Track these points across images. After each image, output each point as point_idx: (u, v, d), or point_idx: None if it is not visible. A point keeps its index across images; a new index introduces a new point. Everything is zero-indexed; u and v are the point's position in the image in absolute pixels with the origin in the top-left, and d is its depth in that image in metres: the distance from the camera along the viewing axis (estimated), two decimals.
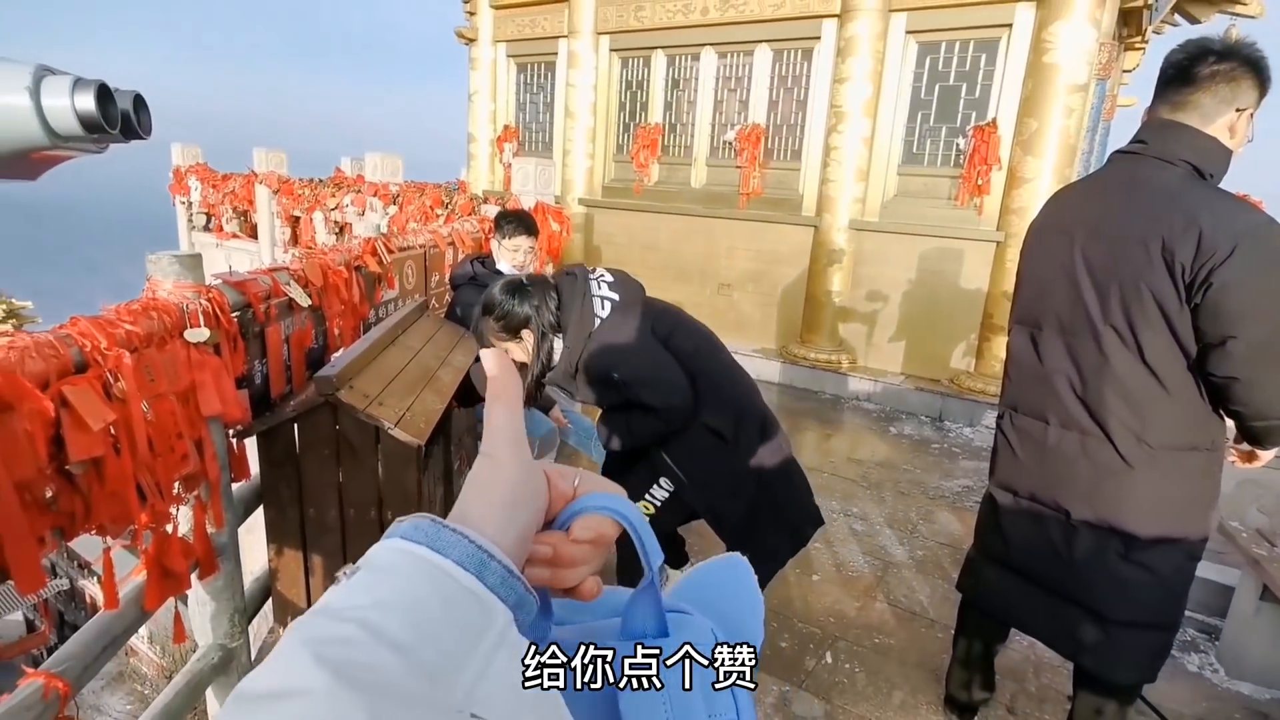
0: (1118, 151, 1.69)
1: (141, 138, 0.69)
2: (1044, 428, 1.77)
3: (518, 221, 3.06)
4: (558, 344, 1.89)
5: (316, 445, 1.85)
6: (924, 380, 5.28)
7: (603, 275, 1.93)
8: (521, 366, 1.93)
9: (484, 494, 0.36)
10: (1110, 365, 1.61)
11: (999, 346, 4.91)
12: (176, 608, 1.70)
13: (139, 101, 0.68)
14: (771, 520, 2.00)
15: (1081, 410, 1.68)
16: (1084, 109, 4.60)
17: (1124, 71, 7.06)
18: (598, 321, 1.86)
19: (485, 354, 0.42)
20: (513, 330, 1.87)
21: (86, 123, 0.63)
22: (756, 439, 1.95)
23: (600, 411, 2.00)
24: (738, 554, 0.53)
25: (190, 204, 8.28)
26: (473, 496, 0.36)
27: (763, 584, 2.22)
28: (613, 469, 2.14)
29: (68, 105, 0.62)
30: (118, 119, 0.65)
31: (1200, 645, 2.55)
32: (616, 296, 1.90)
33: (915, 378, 5.34)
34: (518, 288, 1.88)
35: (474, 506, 0.36)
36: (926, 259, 5.23)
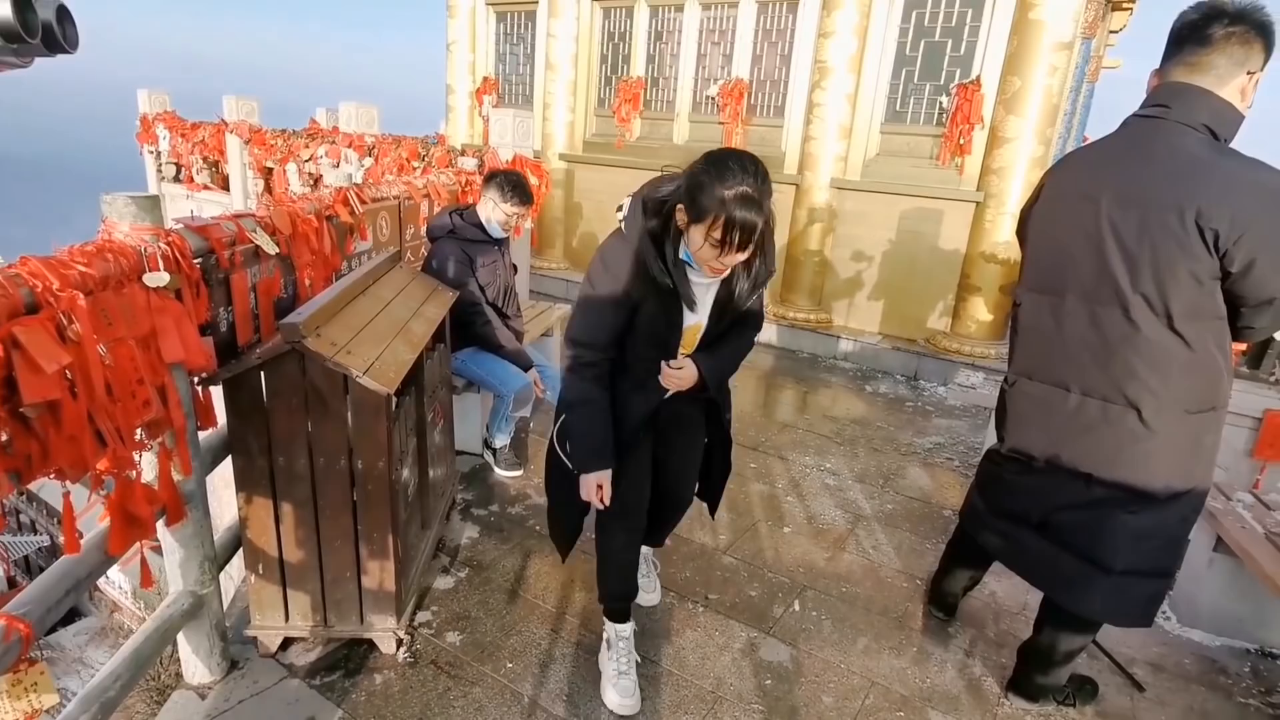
0: (1136, 115, 1.69)
1: (67, 51, 0.65)
2: (1064, 395, 1.78)
3: (521, 190, 3.06)
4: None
5: (284, 394, 1.83)
6: (901, 340, 5.32)
7: None
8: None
9: None
10: (1140, 333, 1.62)
11: (974, 307, 4.94)
12: (143, 553, 1.69)
13: (63, 12, 0.65)
14: None
15: (1105, 379, 1.70)
16: (1068, 68, 4.56)
17: (1110, 32, 7.00)
18: None
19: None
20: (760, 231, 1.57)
21: (3, 31, 0.59)
22: None
23: (706, 345, 1.82)
24: None
25: (159, 154, 8.03)
26: None
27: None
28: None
29: None
30: (38, 29, 0.62)
31: None
32: None
33: (892, 337, 5.38)
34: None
35: None
36: (906, 219, 5.22)
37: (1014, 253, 4.72)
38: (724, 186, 1.46)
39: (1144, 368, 1.63)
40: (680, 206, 1.56)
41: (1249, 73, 1.55)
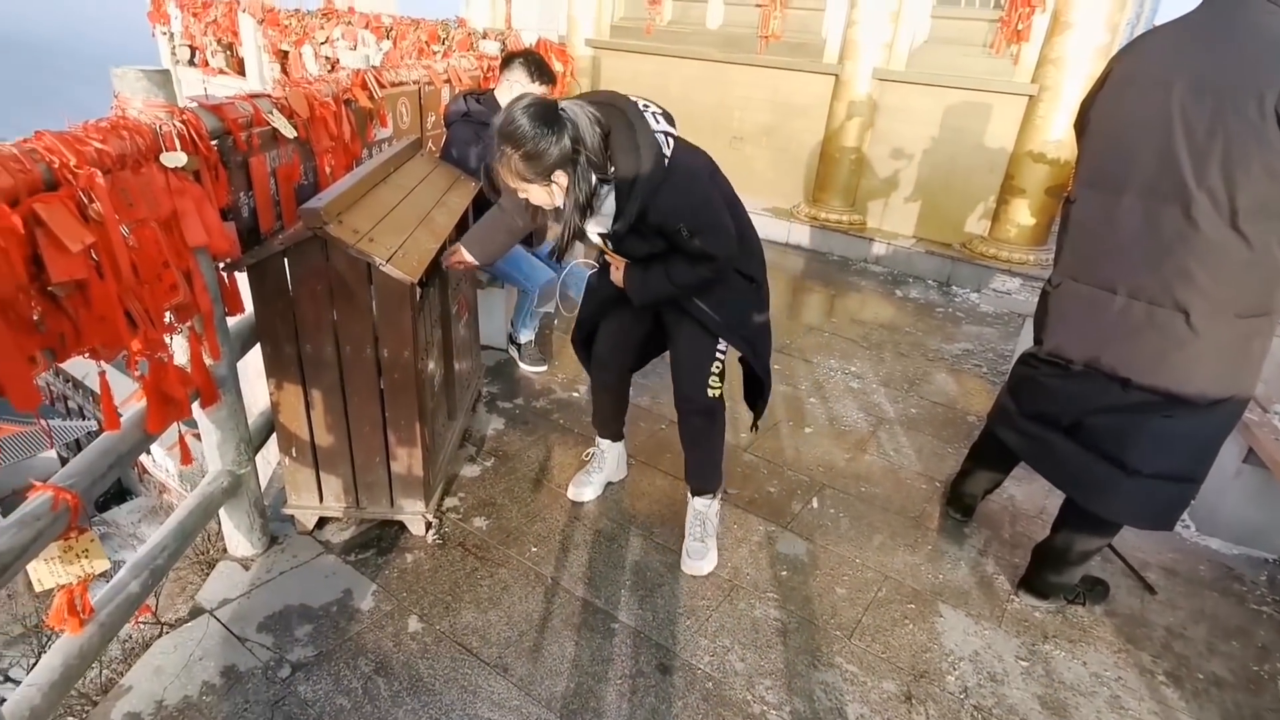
0: None
1: None
2: (1110, 297, 1.71)
3: (547, 69, 2.94)
4: (604, 189, 1.65)
5: (308, 281, 1.82)
6: (935, 244, 5.14)
7: (649, 105, 1.65)
8: (535, 210, 1.75)
9: None
10: (1198, 232, 1.53)
11: (1016, 210, 4.73)
12: (181, 434, 1.75)
13: None
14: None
15: (1155, 281, 1.62)
16: None
17: None
18: (666, 162, 1.61)
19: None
20: (544, 172, 1.56)
21: None
22: (766, 280, 1.99)
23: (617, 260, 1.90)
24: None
25: (172, 35, 7.76)
26: None
27: (765, 399, 2.16)
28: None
29: None
30: None
31: None
32: (675, 131, 1.66)
33: (927, 241, 5.20)
34: (552, 115, 1.53)
35: None
36: (951, 114, 4.92)
37: (1065, 152, 4.46)
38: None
39: (1199, 269, 1.55)
40: None
41: None
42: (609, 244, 1.83)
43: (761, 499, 2.50)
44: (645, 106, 1.64)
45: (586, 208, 1.64)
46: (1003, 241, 4.81)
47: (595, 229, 1.79)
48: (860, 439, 2.92)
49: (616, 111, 1.62)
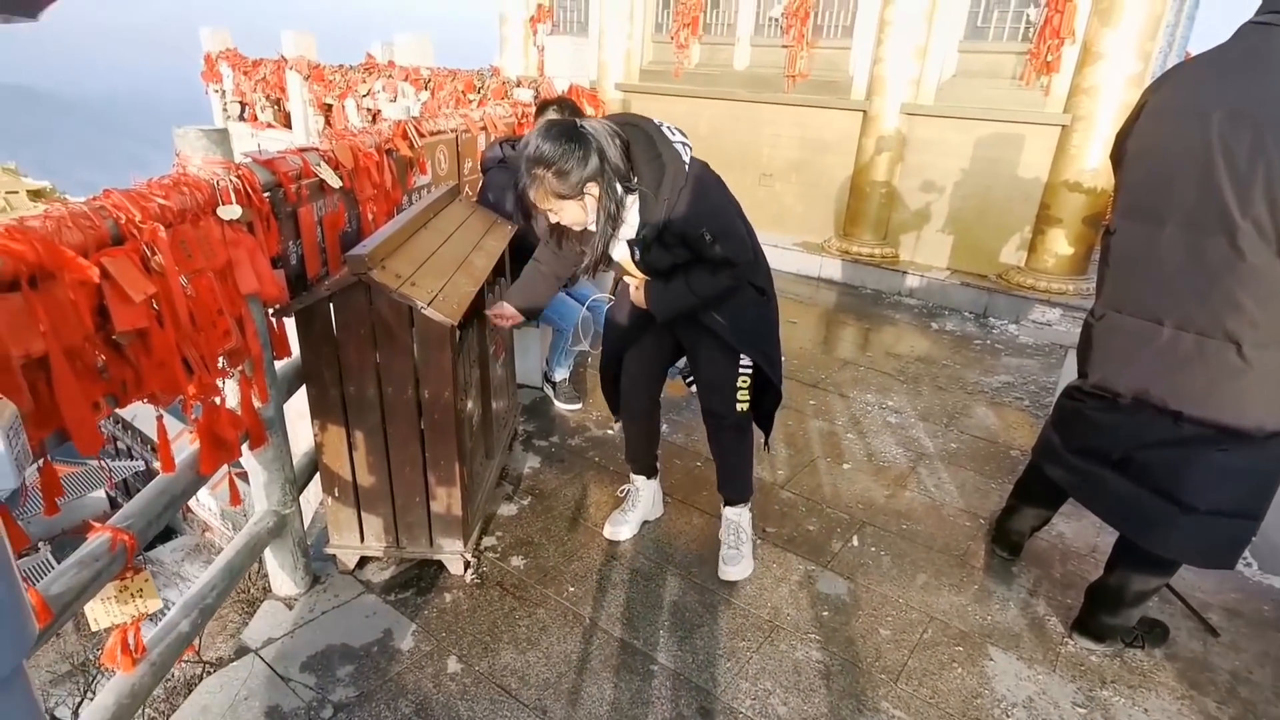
0: (1251, 22, 1.53)
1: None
2: (1157, 329, 1.68)
3: (578, 115, 2.98)
4: (629, 200, 1.73)
5: (353, 325, 1.88)
6: (970, 275, 5.09)
7: (664, 123, 1.76)
8: (561, 234, 1.90)
9: None
10: (1245, 262, 1.50)
11: (1053, 240, 4.68)
12: (230, 476, 1.80)
13: None
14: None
15: (1203, 312, 1.59)
16: None
17: None
18: (686, 169, 1.72)
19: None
20: (577, 185, 1.66)
21: None
22: (775, 293, 2.06)
23: (634, 277, 1.97)
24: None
25: (224, 92, 8.18)
26: None
27: (774, 412, 2.23)
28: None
29: None
30: None
31: None
32: (691, 144, 1.78)
33: (961, 273, 5.15)
34: (573, 131, 1.64)
35: None
36: (983, 145, 4.92)
37: (1101, 181, 4.41)
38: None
39: (1247, 299, 1.52)
40: None
41: None
42: (635, 254, 1.87)
43: (800, 537, 2.46)
44: (661, 123, 1.77)
45: (617, 218, 1.75)
46: (1040, 272, 4.74)
47: (620, 240, 1.85)
48: (900, 475, 2.87)
49: (634, 127, 1.75)
